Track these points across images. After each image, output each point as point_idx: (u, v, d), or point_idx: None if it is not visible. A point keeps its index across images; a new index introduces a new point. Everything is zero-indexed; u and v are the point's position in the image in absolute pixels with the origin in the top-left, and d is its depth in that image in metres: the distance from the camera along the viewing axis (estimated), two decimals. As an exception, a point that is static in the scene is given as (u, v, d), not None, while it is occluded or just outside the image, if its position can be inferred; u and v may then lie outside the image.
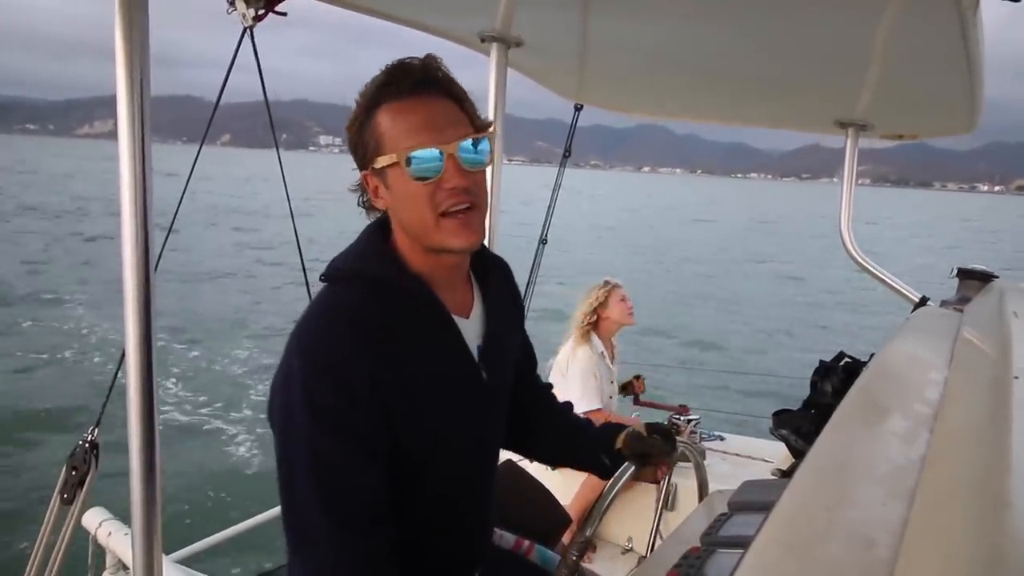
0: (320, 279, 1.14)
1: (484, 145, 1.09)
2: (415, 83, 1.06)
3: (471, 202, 1.07)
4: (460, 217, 1.07)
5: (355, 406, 1.04)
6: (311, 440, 1.03)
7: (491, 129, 1.14)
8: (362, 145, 1.10)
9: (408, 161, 1.04)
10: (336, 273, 1.13)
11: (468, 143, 1.06)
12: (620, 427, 1.46)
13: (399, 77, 1.07)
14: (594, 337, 3.71)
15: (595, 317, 3.72)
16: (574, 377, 3.61)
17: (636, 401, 4.00)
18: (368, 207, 1.17)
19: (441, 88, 1.08)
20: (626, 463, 1.37)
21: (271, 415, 1.08)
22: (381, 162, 1.07)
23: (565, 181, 3.28)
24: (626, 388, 3.96)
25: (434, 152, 1.04)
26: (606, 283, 3.76)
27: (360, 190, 1.15)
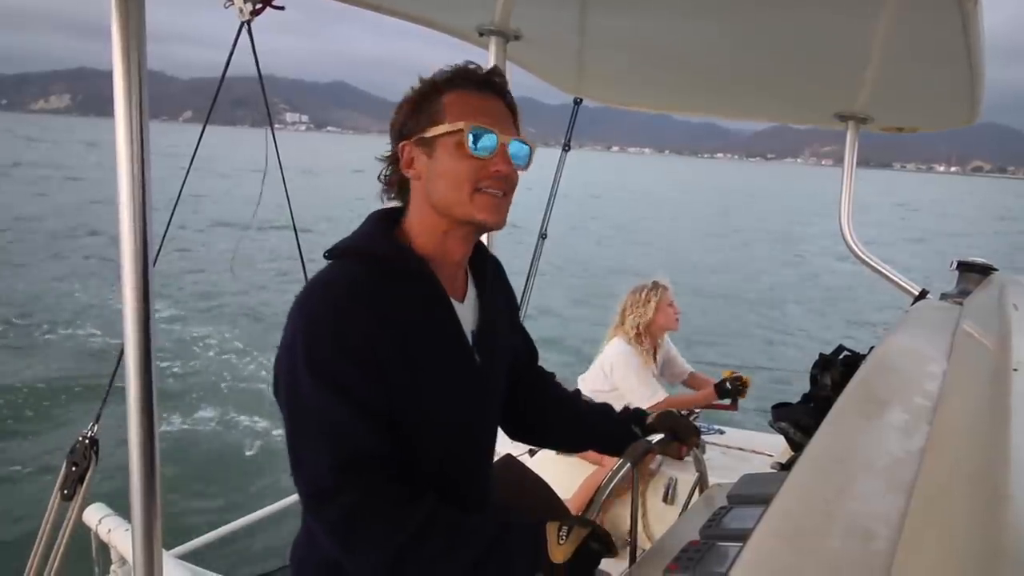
0: (324, 256, 1.20)
1: (529, 151, 1.21)
2: (484, 82, 1.20)
3: (506, 190, 1.18)
4: (495, 196, 1.17)
5: (353, 361, 1.08)
6: (313, 397, 1.07)
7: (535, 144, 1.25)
8: (415, 116, 1.19)
9: (472, 132, 1.14)
10: (339, 251, 1.20)
11: (519, 142, 1.18)
12: (642, 410, 1.55)
13: (470, 72, 1.20)
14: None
15: (649, 322, 3.53)
16: (630, 375, 3.46)
17: (734, 406, 3.63)
18: (388, 182, 1.24)
19: (502, 94, 1.22)
20: (628, 451, 1.38)
21: (276, 388, 1.14)
22: (438, 130, 1.15)
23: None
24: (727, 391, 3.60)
25: (493, 135, 1.15)
26: (655, 285, 3.57)
27: (388, 161, 1.24)
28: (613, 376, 3.51)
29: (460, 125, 1.14)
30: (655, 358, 3.67)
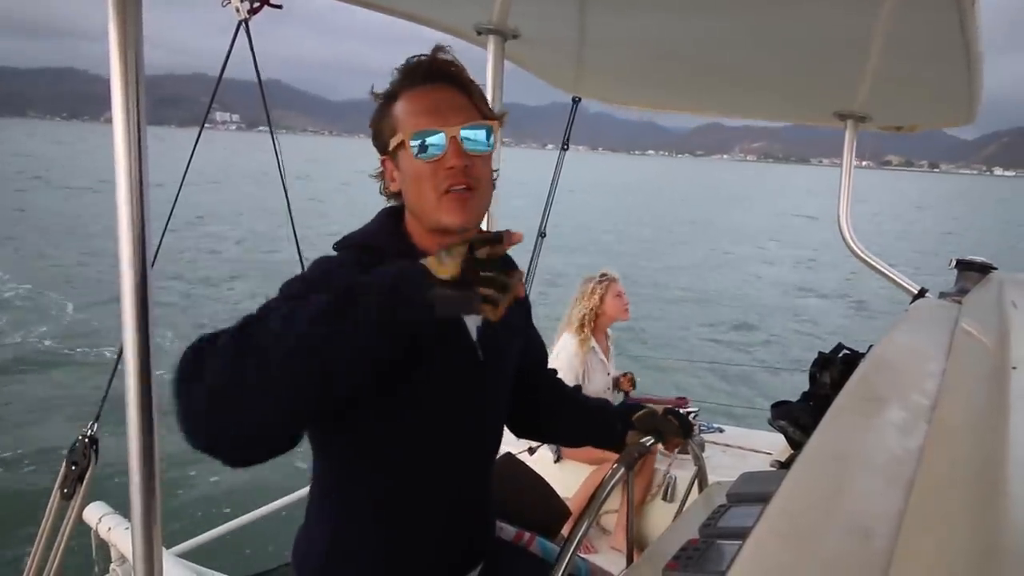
0: (332, 248, 1.20)
1: (486, 132, 1.15)
2: (426, 74, 1.16)
3: (469, 184, 1.13)
4: (458, 196, 1.13)
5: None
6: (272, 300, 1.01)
7: (499, 120, 1.20)
8: (380, 133, 1.19)
9: (413, 140, 1.12)
10: (345, 243, 1.20)
11: (470, 128, 1.13)
12: (640, 406, 1.54)
13: (413, 70, 1.16)
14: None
15: (595, 315, 3.56)
16: (579, 370, 3.51)
17: (627, 397, 3.83)
18: (387, 193, 1.24)
19: (450, 78, 1.17)
20: (622, 455, 1.38)
21: None
22: (393, 143, 1.15)
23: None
24: (616, 384, 3.81)
25: (437, 133, 1.11)
26: (603, 276, 3.59)
27: (380, 176, 1.24)
28: (568, 374, 3.51)
29: (402, 137, 1.13)
30: (606, 350, 3.69)
